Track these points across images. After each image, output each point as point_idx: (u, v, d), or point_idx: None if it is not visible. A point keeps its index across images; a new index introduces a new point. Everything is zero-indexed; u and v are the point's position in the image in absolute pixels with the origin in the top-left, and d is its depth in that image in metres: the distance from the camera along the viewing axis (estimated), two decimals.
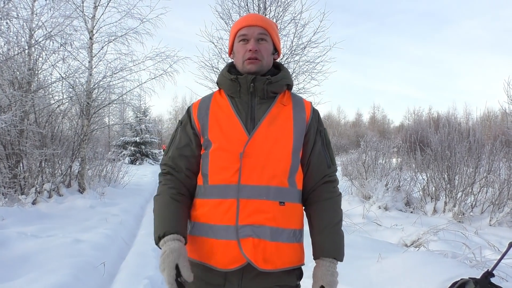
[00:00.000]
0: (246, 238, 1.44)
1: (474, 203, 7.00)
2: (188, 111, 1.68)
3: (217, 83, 1.72)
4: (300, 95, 8.58)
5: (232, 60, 1.72)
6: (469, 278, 2.86)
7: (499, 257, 4.03)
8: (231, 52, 1.72)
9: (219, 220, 1.48)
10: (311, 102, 1.71)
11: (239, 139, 1.51)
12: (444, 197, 7.47)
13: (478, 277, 2.84)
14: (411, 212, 7.67)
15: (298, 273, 1.60)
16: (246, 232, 1.45)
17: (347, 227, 5.77)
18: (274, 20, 8.22)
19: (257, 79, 1.57)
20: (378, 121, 54.56)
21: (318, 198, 1.61)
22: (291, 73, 8.34)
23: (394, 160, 10.31)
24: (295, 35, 8.03)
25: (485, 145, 7.60)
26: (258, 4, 7.91)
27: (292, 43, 8.20)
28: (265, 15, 8.12)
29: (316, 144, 1.63)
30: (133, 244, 5.41)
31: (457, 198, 7.07)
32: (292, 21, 7.94)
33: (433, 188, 7.82)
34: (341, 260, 1.55)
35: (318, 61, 7.95)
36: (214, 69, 8.27)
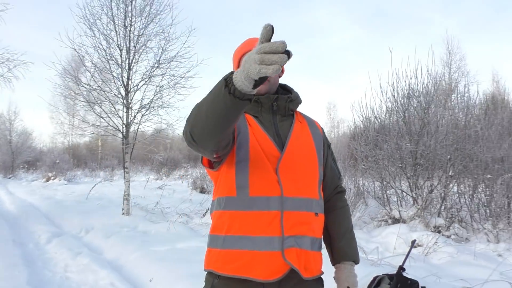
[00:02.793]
0: (289, 248, 1.47)
1: None
2: None
3: None
4: (164, 109, 8.48)
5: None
6: (383, 274, 3.29)
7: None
8: None
9: (262, 232, 1.47)
10: (317, 121, 1.83)
11: (273, 155, 1.54)
12: None
13: (389, 273, 3.28)
14: None
15: (321, 281, 1.68)
16: (290, 242, 1.47)
17: None
18: (140, 32, 7.99)
19: (279, 98, 1.63)
20: None
21: (333, 207, 1.75)
22: (157, 87, 8.21)
23: None
24: (164, 49, 7.94)
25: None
26: (125, 12, 7.60)
27: (156, 56, 8.09)
28: (131, 25, 7.83)
29: (328, 158, 1.76)
30: None
31: None
32: (161, 33, 7.86)
33: None
34: (358, 263, 1.71)
35: (186, 76, 7.99)
36: (76, 79, 7.58)
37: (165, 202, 10.10)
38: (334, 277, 1.69)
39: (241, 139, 1.55)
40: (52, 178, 19.31)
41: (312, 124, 1.75)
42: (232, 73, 1.13)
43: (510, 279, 3.52)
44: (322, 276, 1.66)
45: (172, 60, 8.02)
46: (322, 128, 1.80)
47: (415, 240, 3.41)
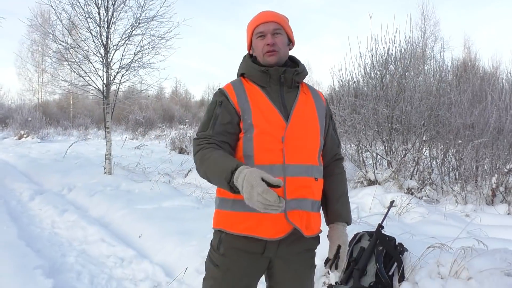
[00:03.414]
0: (292, 211, 1.64)
1: None
2: (223, 93, 1.75)
3: (243, 73, 1.83)
4: (145, 69, 8.42)
5: (249, 53, 1.87)
6: (363, 231, 3.54)
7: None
8: (250, 48, 1.86)
9: None
10: (321, 92, 1.98)
11: (279, 125, 1.67)
12: None
13: (368, 230, 3.54)
14: None
15: (318, 237, 1.88)
16: (292, 205, 1.64)
17: (207, 199, 6.09)
18: None
19: (287, 71, 1.75)
20: (181, 95, 55.62)
21: (331, 172, 1.91)
22: (136, 47, 8.11)
23: None
24: (143, 8, 7.80)
25: None
26: None
27: (135, 15, 7.96)
28: None
29: (330, 128, 1.91)
30: None
31: None
32: None
33: None
34: (350, 224, 1.90)
35: (166, 36, 7.92)
36: (56, 39, 7.38)
37: (145, 162, 10.19)
38: (327, 236, 1.87)
39: (245, 114, 1.68)
40: (25, 136, 18.96)
41: (316, 95, 1.88)
42: (234, 171, 1.42)
43: (476, 236, 3.83)
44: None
45: (152, 20, 7.92)
46: (326, 100, 1.94)
47: (393, 201, 3.68)
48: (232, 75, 1.73)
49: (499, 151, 6.01)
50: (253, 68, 1.77)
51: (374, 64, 7.73)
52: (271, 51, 1.74)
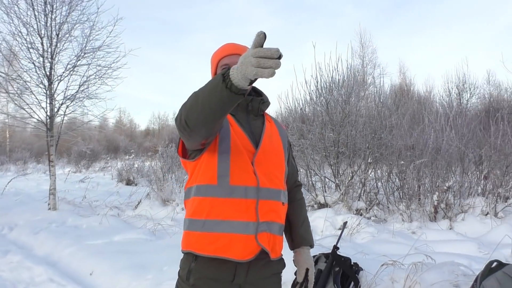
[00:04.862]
0: (262, 233, 1.67)
1: None
2: None
3: None
4: (91, 100, 8.24)
5: None
6: (320, 254, 3.62)
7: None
8: None
9: (239, 217, 1.64)
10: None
11: (249, 150, 1.72)
12: None
13: (324, 252, 3.63)
14: None
15: (283, 261, 1.92)
16: (263, 227, 1.67)
17: (160, 231, 5.99)
18: (63, 20, 7.67)
19: (254, 100, 1.82)
20: (125, 125, 54.44)
21: (293, 199, 1.99)
22: (82, 78, 7.95)
23: None
24: (89, 38, 7.70)
25: None
26: (45, 1, 7.25)
27: (81, 45, 7.83)
28: (52, 12, 7.50)
29: (290, 155, 1.99)
30: None
31: None
32: (86, 21, 7.61)
33: None
34: (313, 247, 1.97)
35: (113, 66, 7.82)
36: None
37: (91, 195, 9.84)
38: (293, 260, 1.94)
39: (224, 133, 1.70)
40: None
41: (278, 124, 1.96)
42: (229, 69, 1.27)
43: (424, 252, 4.03)
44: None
45: (98, 50, 7.82)
46: (286, 129, 2.03)
47: (346, 222, 3.81)
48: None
49: (438, 170, 6.38)
50: None
51: (319, 90, 8.03)
52: None
